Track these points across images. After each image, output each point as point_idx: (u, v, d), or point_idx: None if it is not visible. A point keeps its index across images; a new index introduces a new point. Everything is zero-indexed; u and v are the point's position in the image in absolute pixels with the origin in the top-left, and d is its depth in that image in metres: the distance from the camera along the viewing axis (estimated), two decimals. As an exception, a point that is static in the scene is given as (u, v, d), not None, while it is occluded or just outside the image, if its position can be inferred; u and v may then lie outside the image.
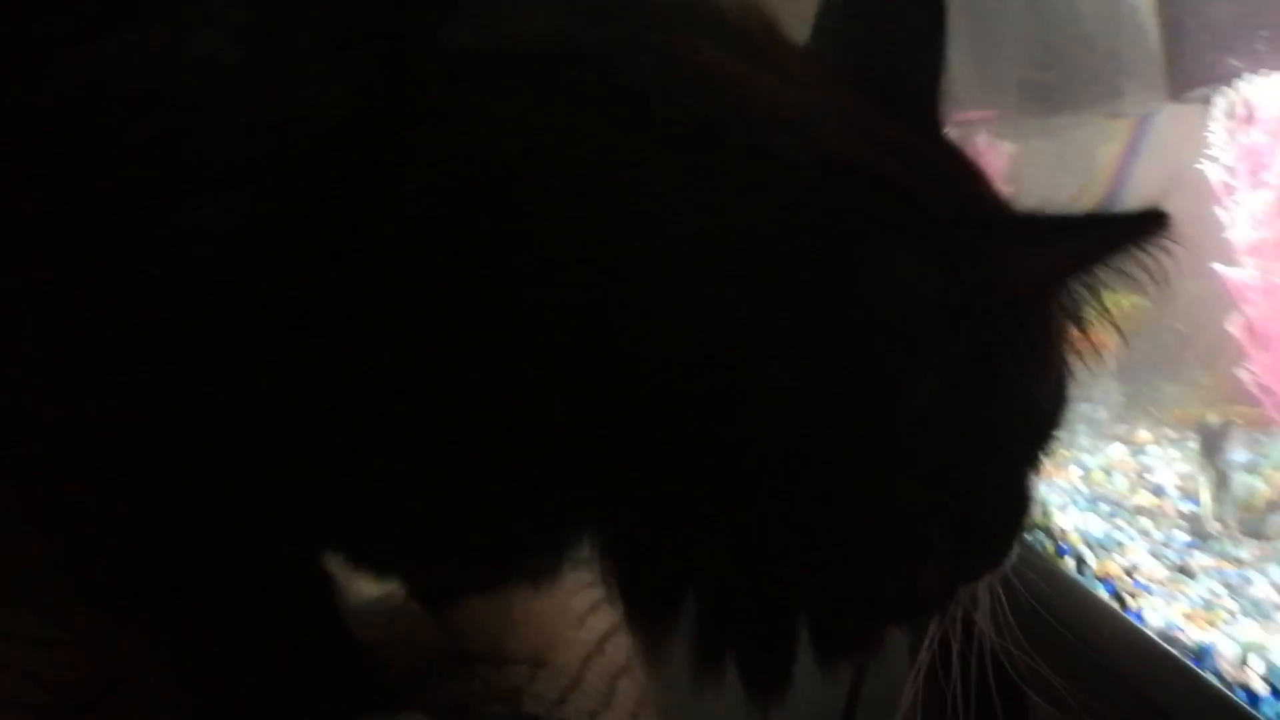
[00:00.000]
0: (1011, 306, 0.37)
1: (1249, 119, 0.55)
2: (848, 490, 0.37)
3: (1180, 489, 0.57)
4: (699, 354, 0.35)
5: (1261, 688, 0.38)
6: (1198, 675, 0.43)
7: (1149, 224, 0.36)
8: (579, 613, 0.55)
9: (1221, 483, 0.53)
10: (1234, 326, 0.55)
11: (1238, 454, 0.56)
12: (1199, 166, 0.56)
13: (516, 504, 0.37)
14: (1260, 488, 0.52)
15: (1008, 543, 0.44)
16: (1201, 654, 0.42)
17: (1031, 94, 0.72)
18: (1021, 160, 0.72)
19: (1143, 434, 0.63)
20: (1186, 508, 0.55)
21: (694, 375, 0.35)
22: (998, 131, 0.72)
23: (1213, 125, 0.56)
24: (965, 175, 0.39)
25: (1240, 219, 0.54)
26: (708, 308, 0.35)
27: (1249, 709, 0.40)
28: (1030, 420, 0.41)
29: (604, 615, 0.54)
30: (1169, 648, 0.45)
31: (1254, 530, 0.51)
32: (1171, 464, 0.60)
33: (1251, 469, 0.54)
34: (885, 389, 0.36)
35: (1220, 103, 0.56)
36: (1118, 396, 0.68)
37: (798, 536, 0.37)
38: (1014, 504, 0.43)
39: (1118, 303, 0.63)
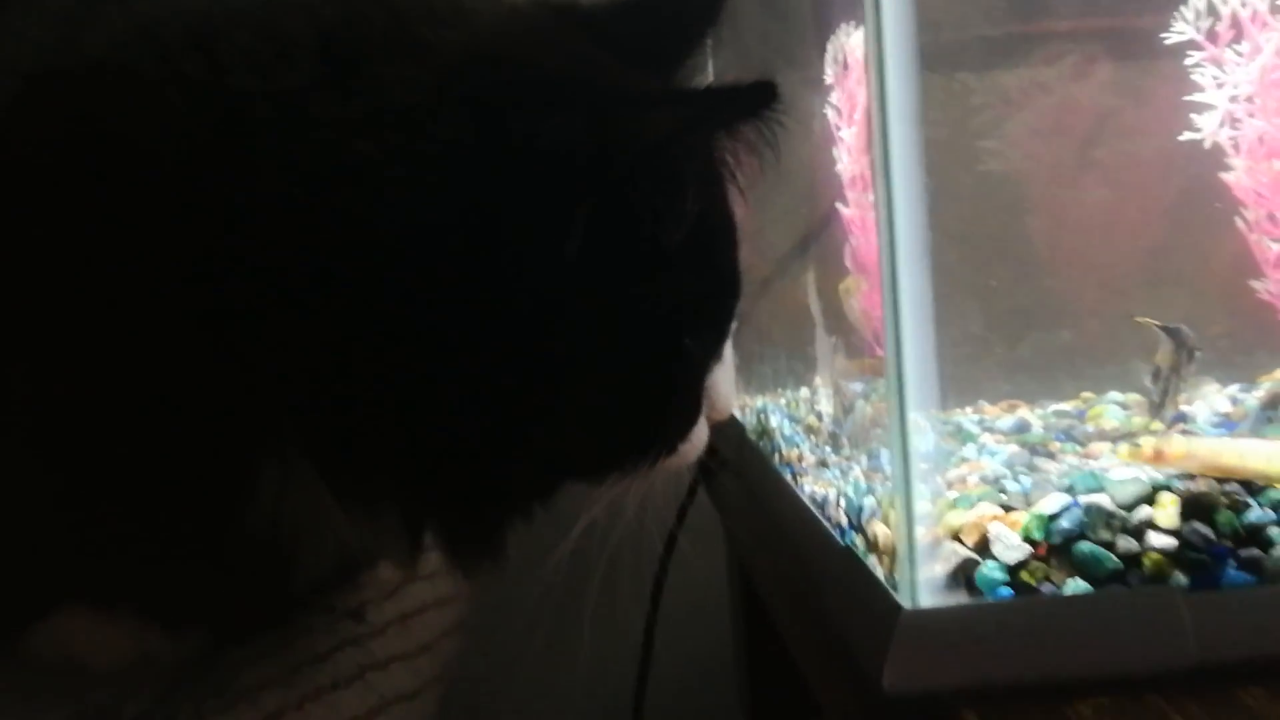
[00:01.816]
0: (642, 166, 0.41)
1: (845, 66, 0.61)
2: (504, 356, 0.41)
3: (829, 415, 0.69)
4: (359, 237, 0.38)
5: (844, 520, 0.56)
6: (816, 516, 0.59)
7: (759, 96, 0.41)
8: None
9: (849, 408, 0.64)
10: (847, 259, 0.61)
11: (857, 386, 0.65)
12: (825, 112, 0.63)
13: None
14: (867, 410, 0.62)
15: (671, 431, 0.48)
16: (822, 504, 0.60)
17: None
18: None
19: (817, 380, 0.74)
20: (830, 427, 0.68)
21: (356, 257, 0.39)
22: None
23: (827, 71, 0.62)
24: (611, 66, 0.44)
25: (843, 154, 0.61)
26: (360, 188, 0.38)
27: (839, 538, 0.55)
28: (683, 291, 0.45)
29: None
30: (809, 502, 0.61)
31: (859, 439, 0.62)
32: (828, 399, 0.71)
33: (866, 396, 0.63)
34: (534, 246, 0.40)
35: (830, 50, 0.62)
36: (811, 351, 0.76)
37: (462, 408, 0.41)
38: (676, 393, 0.47)
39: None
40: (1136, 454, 0.47)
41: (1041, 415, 0.71)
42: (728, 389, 0.53)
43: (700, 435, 0.51)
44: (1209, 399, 0.69)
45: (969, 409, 0.74)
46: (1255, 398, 0.69)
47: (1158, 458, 0.46)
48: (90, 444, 0.43)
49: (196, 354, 0.40)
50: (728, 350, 0.53)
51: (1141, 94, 0.74)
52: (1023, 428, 0.68)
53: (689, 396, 0.49)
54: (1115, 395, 0.72)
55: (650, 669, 0.84)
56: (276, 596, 0.54)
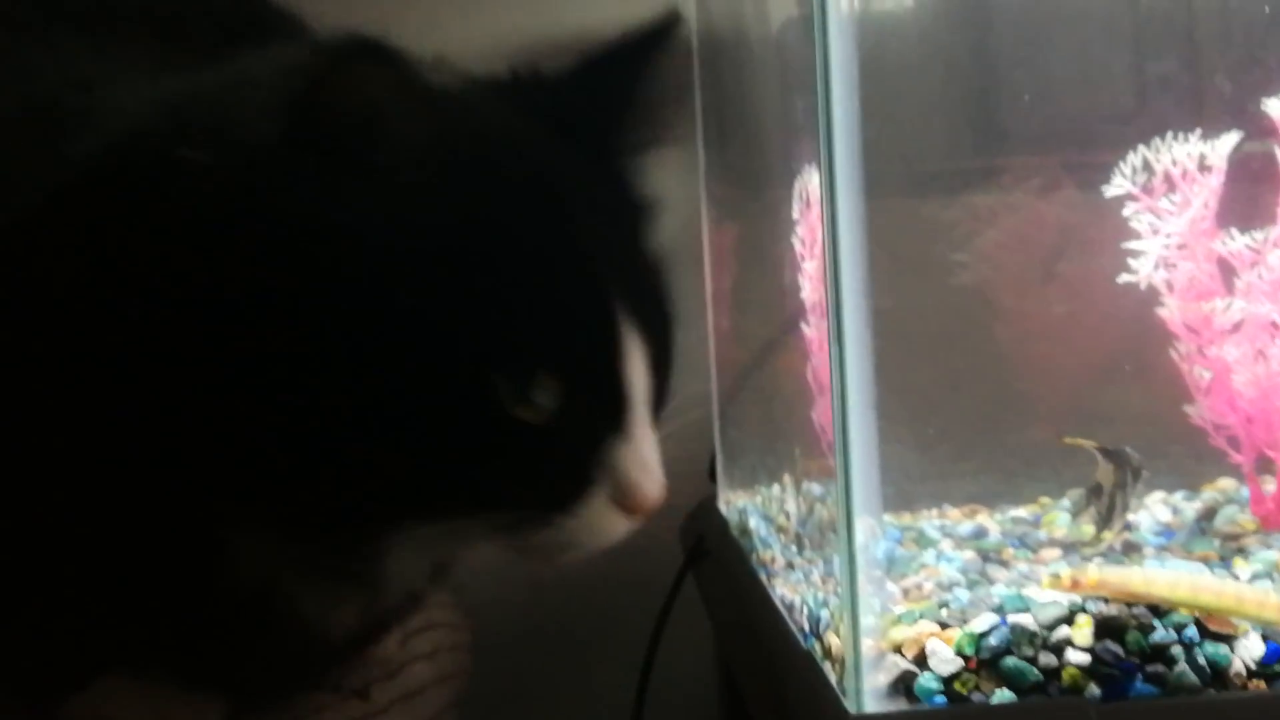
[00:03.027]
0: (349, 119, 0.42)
1: (808, 204, 0.65)
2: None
3: (795, 514, 0.71)
4: None
5: (805, 626, 0.60)
6: (785, 619, 0.63)
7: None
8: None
9: (809, 511, 0.68)
10: (809, 377, 0.65)
11: (816, 488, 0.68)
12: (793, 240, 0.67)
13: None
14: (823, 514, 0.63)
15: (515, 493, 0.46)
16: (790, 608, 0.65)
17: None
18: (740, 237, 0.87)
19: (786, 476, 0.75)
20: (795, 527, 0.70)
21: None
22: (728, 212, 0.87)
23: (794, 207, 0.67)
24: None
25: (805, 284, 0.66)
26: None
27: (802, 643, 0.59)
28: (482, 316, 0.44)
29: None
30: (779, 605, 0.66)
31: (816, 541, 0.64)
32: (794, 497, 0.73)
33: (822, 500, 0.64)
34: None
35: (796, 188, 0.67)
36: (779, 446, 0.81)
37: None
38: (497, 443, 0.45)
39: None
40: (1057, 583, 0.53)
41: (1000, 520, 0.77)
42: (639, 473, 0.49)
43: (600, 518, 0.49)
44: (1151, 509, 0.76)
45: (934, 511, 0.80)
46: (1194, 508, 0.76)
47: (1075, 585, 0.53)
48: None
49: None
50: (642, 431, 0.50)
51: (1100, 213, 0.80)
52: (980, 534, 0.74)
53: (534, 452, 0.46)
54: (1066, 503, 0.79)
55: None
56: (293, 666, 0.57)
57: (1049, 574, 0.56)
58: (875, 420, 0.54)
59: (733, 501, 0.88)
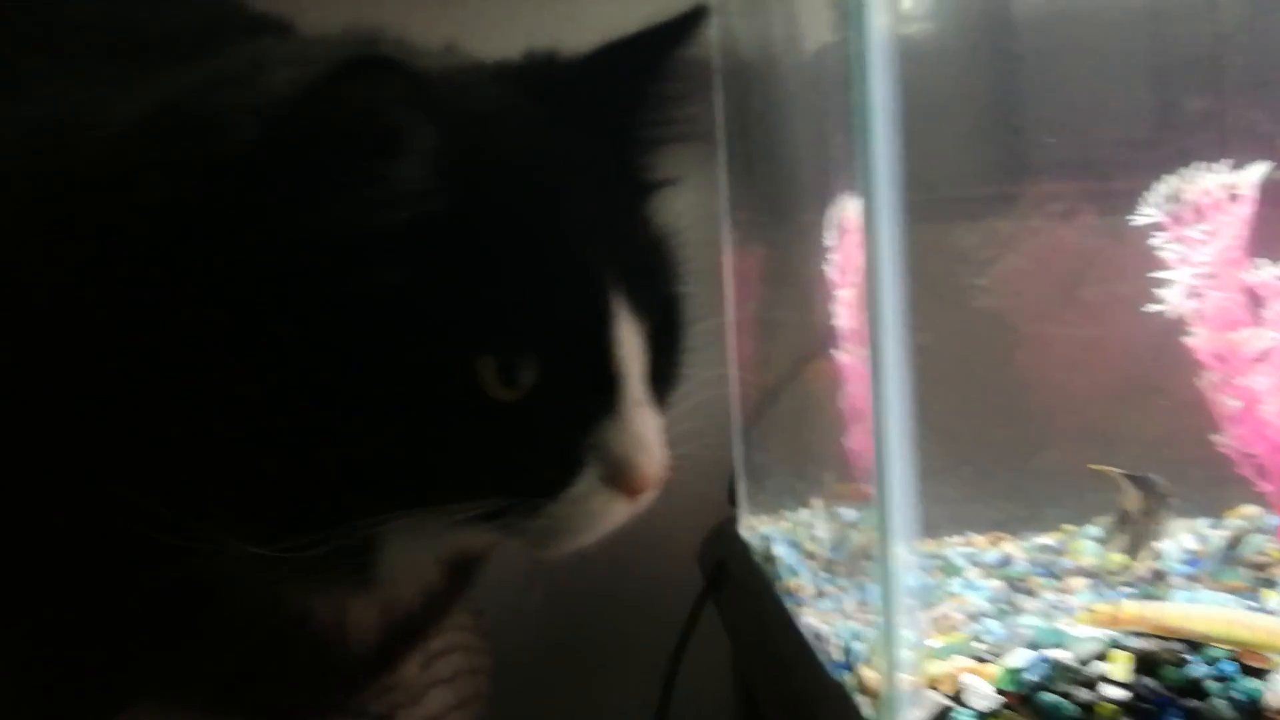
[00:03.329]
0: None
1: (844, 231, 0.66)
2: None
3: (826, 540, 0.73)
4: None
5: (840, 656, 0.61)
6: (814, 651, 0.63)
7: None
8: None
9: (842, 537, 0.70)
10: (843, 403, 0.65)
11: (849, 513, 0.71)
12: (824, 266, 0.69)
13: None
14: (857, 540, 0.66)
15: (498, 476, 0.45)
16: (821, 638, 0.65)
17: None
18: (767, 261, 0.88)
19: (815, 501, 0.78)
20: (826, 553, 0.72)
21: None
22: (754, 236, 0.86)
23: (829, 234, 0.68)
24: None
25: (841, 311, 0.66)
26: None
27: (833, 674, 0.59)
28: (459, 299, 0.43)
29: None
30: (809, 636, 0.65)
31: (851, 569, 0.66)
32: (824, 523, 0.74)
33: (856, 525, 0.68)
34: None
35: (830, 215, 0.68)
36: (809, 469, 0.81)
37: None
38: (476, 428, 0.44)
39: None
40: (1095, 618, 0.53)
41: (1025, 548, 0.77)
42: (634, 451, 0.47)
43: (593, 502, 0.47)
44: (1177, 537, 0.76)
45: (957, 538, 0.80)
46: (1220, 535, 0.75)
47: (1112, 620, 0.53)
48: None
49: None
50: (638, 410, 0.48)
51: (1122, 239, 0.80)
52: (1006, 562, 0.74)
53: (515, 437, 0.44)
54: (1092, 530, 0.78)
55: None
56: (317, 685, 0.57)
57: (1085, 609, 0.56)
58: (913, 448, 0.53)
59: (755, 527, 0.87)
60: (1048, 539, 0.77)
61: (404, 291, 0.42)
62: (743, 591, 0.79)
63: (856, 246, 0.63)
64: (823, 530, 0.73)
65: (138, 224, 0.44)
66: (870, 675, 0.55)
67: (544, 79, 0.52)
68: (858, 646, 0.58)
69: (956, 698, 0.53)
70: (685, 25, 0.53)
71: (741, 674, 0.82)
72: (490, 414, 0.43)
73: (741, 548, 0.85)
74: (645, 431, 0.47)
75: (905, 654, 0.52)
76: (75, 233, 0.45)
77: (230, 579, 0.47)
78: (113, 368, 0.44)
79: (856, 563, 0.63)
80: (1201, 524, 0.78)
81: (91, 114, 0.49)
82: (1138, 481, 0.68)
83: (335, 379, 0.43)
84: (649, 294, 0.49)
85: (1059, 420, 0.88)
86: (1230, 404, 0.69)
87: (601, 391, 0.46)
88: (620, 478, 0.47)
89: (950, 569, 0.71)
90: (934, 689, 0.53)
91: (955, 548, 0.77)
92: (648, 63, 0.52)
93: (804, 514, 0.76)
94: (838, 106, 0.56)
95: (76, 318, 0.45)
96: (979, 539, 0.79)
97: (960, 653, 0.55)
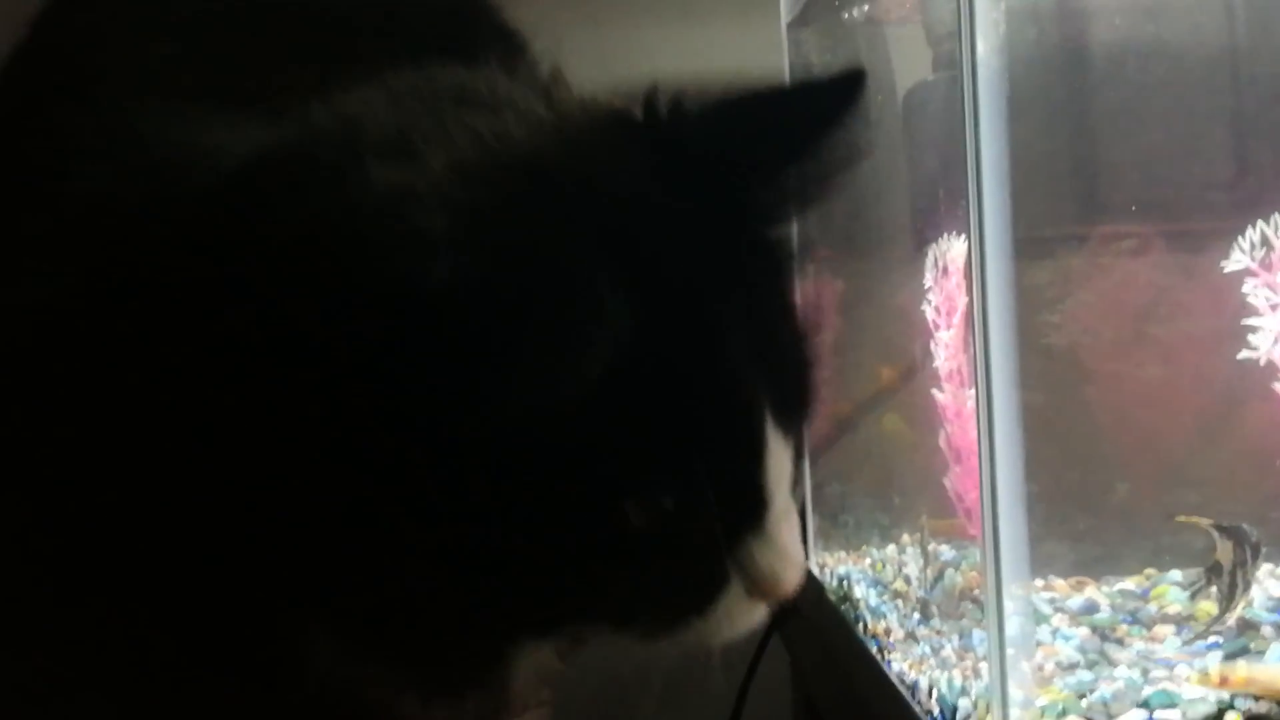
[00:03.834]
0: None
1: (945, 271, 0.67)
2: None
3: (918, 579, 0.73)
4: None
5: (936, 711, 0.60)
6: (908, 703, 0.63)
7: None
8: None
9: (938, 576, 0.70)
10: (942, 442, 0.66)
11: (947, 552, 0.72)
12: (923, 308, 0.70)
13: None
14: (958, 580, 0.69)
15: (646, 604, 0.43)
16: (914, 689, 0.65)
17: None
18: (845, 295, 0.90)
19: (905, 537, 0.78)
20: (919, 593, 0.72)
21: None
22: (831, 269, 0.87)
23: (927, 275, 0.69)
24: None
25: (940, 351, 0.67)
26: None
27: None
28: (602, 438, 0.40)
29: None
30: (898, 685, 0.65)
31: (949, 610, 0.67)
32: (916, 560, 0.75)
33: (955, 565, 0.70)
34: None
35: (930, 255, 0.68)
36: (897, 502, 0.83)
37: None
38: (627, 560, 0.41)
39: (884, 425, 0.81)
40: (1206, 679, 0.53)
41: (1108, 594, 0.76)
42: (778, 564, 0.45)
43: (735, 612, 0.45)
44: (1264, 584, 0.75)
45: (1039, 581, 0.80)
46: (1306, 583, 0.75)
47: (1224, 683, 0.52)
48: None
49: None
50: (782, 520, 0.45)
51: (1194, 275, 0.80)
52: (1091, 608, 0.74)
53: (668, 565, 0.42)
54: (1175, 574, 0.78)
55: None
56: None
57: (1189, 666, 0.55)
58: (1025, 489, 0.53)
59: (829, 565, 0.87)
60: (1129, 583, 0.77)
61: (563, 434, 0.39)
62: (819, 633, 0.78)
63: (958, 288, 0.64)
64: (913, 568, 0.72)
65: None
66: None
67: (668, 133, 0.45)
68: (964, 704, 0.57)
69: (1070, 759, 0.52)
70: (842, 89, 0.47)
71: (816, 712, 0.81)
72: (639, 542, 0.41)
73: (815, 586, 0.84)
74: (789, 543, 0.45)
75: (1017, 714, 0.52)
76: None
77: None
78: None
79: (955, 603, 0.62)
80: (1284, 570, 0.77)
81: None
82: (1229, 532, 0.68)
83: (484, 502, 0.40)
84: (794, 394, 0.45)
85: (1132, 459, 0.87)
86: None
87: (753, 514, 0.44)
88: (765, 591, 0.45)
89: (1038, 616, 0.71)
90: (1048, 752, 0.52)
91: (1038, 592, 0.76)
92: (797, 126, 0.46)
93: (891, 550, 0.74)
94: (935, 145, 0.55)
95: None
96: (1059, 583, 0.78)
97: (1071, 713, 0.54)
